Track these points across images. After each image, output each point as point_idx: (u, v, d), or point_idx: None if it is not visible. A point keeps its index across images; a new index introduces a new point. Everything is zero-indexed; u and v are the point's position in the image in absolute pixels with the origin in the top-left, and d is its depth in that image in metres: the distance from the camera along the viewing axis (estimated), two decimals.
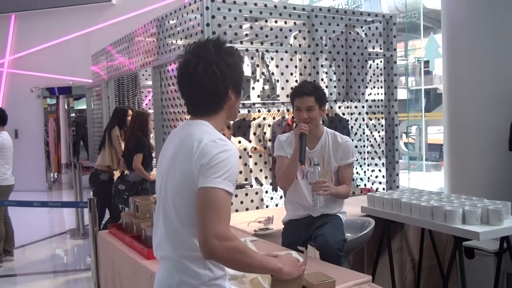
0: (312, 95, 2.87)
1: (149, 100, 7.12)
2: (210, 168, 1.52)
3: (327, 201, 2.90)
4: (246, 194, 4.14)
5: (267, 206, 4.48)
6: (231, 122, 4.54)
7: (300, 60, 4.51)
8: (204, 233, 1.48)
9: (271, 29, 4.32)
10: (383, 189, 4.67)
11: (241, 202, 4.08)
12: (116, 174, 5.37)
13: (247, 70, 4.88)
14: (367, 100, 4.87)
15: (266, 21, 4.26)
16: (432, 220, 3.00)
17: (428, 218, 3.03)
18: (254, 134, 4.62)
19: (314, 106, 2.87)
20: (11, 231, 5.44)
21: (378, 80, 4.80)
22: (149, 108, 6.23)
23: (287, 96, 4.52)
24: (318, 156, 2.92)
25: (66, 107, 11.87)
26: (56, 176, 11.62)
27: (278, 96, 4.63)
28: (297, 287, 1.77)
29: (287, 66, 4.50)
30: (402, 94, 8.49)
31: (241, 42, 4.31)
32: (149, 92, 6.95)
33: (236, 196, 4.08)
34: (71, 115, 12.27)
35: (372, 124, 4.92)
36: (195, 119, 1.69)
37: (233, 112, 1.75)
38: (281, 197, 4.71)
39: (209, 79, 1.62)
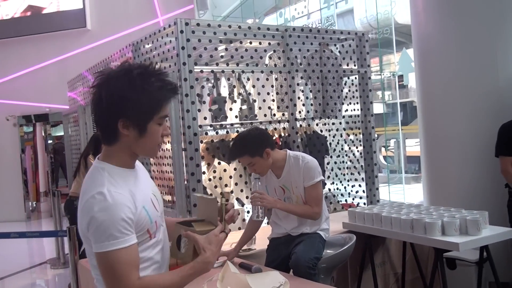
0: (243, 154, 2.80)
1: None
2: (93, 232, 1.45)
3: (303, 220, 2.92)
4: None
5: None
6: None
7: (276, 79, 4.56)
8: None
9: (246, 50, 4.36)
10: (364, 203, 4.70)
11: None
12: None
13: (224, 91, 4.90)
14: (344, 116, 4.92)
15: (241, 42, 4.31)
16: (413, 233, 3.04)
17: (408, 231, 3.06)
18: None
19: (252, 161, 2.80)
20: None
21: (354, 96, 4.87)
22: None
23: (265, 115, 4.56)
24: (287, 183, 2.92)
25: (43, 134, 11.71)
26: (34, 205, 11.40)
27: (256, 116, 4.65)
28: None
29: (263, 86, 4.53)
30: (378, 108, 8.63)
31: (217, 64, 4.35)
32: None
33: None
34: (49, 142, 12.10)
35: (350, 139, 4.97)
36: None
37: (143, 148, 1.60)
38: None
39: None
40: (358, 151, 4.88)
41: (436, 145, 4.38)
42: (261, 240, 3.27)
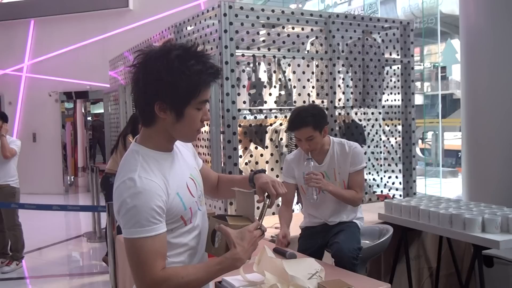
0: (309, 125, 2.70)
1: None
2: (122, 217, 1.43)
3: (340, 209, 2.90)
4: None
5: None
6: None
7: (317, 66, 4.52)
8: (137, 285, 1.47)
9: (288, 35, 4.33)
10: (400, 195, 4.64)
11: (258, 208, 4.07)
12: None
13: (263, 76, 4.90)
14: (383, 106, 4.85)
15: (283, 27, 4.28)
16: (451, 228, 2.98)
17: (446, 226, 3.01)
18: (271, 139, 4.63)
19: (313, 135, 2.72)
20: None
21: (395, 86, 4.79)
22: None
23: (304, 102, 4.53)
24: (328, 169, 2.89)
25: (83, 111, 12.01)
26: (72, 179, 11.75)
27: (295, 102, 4.63)
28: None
29: (304, 72, 4.50)
30: (417, 99, 8.44)
31: (259, 48, 4.34)
32: None
33: None
34: (88, 119, 12.39)
35: (389, 130, 4.90)
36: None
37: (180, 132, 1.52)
38: (297, 203, 4.71)
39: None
40: (396, 142, 4.81)
41: (479, 140, 4.26)
42: (295, 227, 3.27)
